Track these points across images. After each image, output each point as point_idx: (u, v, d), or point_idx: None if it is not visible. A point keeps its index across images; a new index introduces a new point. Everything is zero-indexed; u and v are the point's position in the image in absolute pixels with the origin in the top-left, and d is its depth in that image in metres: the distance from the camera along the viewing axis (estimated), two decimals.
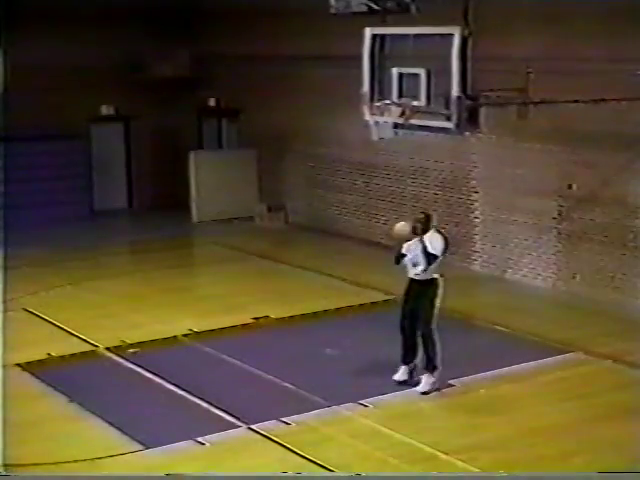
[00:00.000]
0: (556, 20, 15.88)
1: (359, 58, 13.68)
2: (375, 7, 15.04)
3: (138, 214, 23.88)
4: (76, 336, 14.41)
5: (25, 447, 10.65)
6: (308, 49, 19.97)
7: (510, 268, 17.34)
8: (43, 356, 13.53)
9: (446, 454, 10.44)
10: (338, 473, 10.12)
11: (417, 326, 12.16)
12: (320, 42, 19.65)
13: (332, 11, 16.23)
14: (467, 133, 15.10)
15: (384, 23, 14.55)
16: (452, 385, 12.37)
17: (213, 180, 22.41)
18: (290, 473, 10.13)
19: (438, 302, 12.06)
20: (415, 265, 12.12)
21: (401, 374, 12.38)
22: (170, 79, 22.89)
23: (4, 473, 9.97)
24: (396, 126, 13.32)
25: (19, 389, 12.27)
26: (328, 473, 10.12)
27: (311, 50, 19.90)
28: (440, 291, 12.06)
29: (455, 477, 10.21)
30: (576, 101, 14.27)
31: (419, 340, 12.20)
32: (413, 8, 14.46)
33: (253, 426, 11.17)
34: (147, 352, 13.77)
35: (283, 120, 21.48)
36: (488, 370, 12.82)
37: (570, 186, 16.28)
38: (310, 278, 17.06)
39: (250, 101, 22.33)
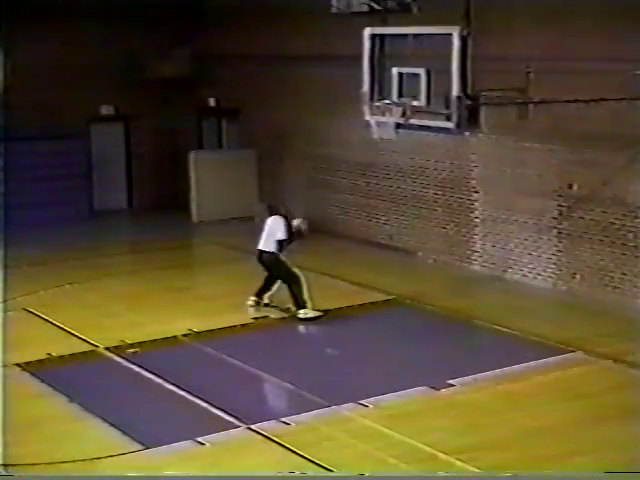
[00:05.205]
0: (556, 20, 15.87)
1: (359, 58, 13.68)
2: (376, 7, 15.07)
3: (138, 214, 23.84)
4: (76, 336, 14.40)
5: (25, 447, 10.65)
6: (308, 49, 19.96)
7: (510, 268, 17.33)
8: (43, 356, 13.52)
9: (446, 454, 10.43)
10: (338, 473, 10.12)
11: None
12: (320, 42, 19.64)
13: (333, 11, 16.25)
14: (467, 133, 15.15)
15: (384, 23, 14.57)
16: (452, 385, 12.37)
17: (213, 180, 22.40)
18: (290, 473, 10.13)
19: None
20: None
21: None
22: (170, 79, 22.86)
23: (4, 473, 9.98)
24: (397, 126, 13.32)
25: (19, 389, 12.27)
26: (328, 473, 10.12)
27: (311, 50, 19.88)
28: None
29: (455, 477, 10.21)
30: (576, 101, 14.27)
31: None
32: (414, 8, 14.50)
33: (253, 426, 11.16)
34: (147, 352, 13.76)
35: (283, 120, 21.46)
36: (488, 370, 12.81)
37: (570, 186, 16.26)
38: (310, 278, 17.01)
39: (250, 101, 22.31)
